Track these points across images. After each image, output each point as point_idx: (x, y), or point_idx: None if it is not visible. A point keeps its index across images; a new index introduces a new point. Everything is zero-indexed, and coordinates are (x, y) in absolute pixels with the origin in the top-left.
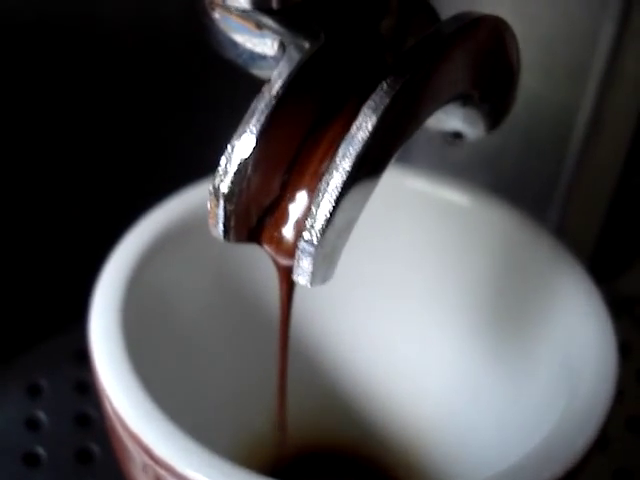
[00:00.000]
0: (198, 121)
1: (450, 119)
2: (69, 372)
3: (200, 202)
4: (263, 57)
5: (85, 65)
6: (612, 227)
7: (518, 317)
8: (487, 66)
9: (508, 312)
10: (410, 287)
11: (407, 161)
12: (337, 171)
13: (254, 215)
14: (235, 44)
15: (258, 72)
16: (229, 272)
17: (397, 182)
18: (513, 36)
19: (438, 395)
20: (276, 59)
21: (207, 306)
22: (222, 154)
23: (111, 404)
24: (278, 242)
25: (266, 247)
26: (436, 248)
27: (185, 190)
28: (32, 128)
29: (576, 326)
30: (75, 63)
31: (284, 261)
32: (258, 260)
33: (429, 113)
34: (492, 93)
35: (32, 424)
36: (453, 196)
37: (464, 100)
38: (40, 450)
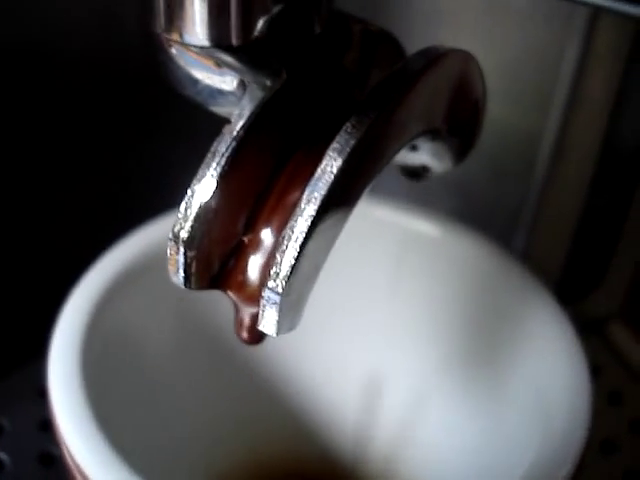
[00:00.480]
0: (157, 152)
1: (416, 154)
2: (31, 409)
3: (160, 239)
4: (223, 93)
5: (42, 95)
6: (579, 249)
7: (488, 349)
8: (455, 101)
9: (478, 344)
10: (379, 318)
11: (373, 188)
12: (301, 217)
13: (216, 261)
14: (194, 81)
15: (217, 109)
16: (191, 309)
17: (364, 212)
18: (480, 69)
19: (409, 430)
20: (236, 95)
21: (170, 344)
22: (182, 199)
23: (71, 455)
24: (242, 288)
25: (229, 293)
26: (405, 279)
27: (144, 226)
28: None
29: (547, 358)
30: (31, 93)
31: (248, 308)
32: (221, 296)
33: (396, 151)
34: (460, 127)
35: None
36: (421, 226)
37: (432, 135)
38: None
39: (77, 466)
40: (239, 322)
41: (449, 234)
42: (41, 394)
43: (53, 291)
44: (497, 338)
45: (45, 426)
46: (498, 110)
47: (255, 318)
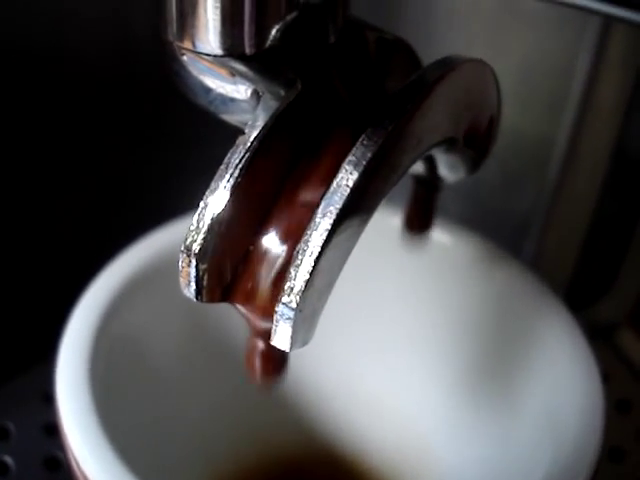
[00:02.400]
0: (166, 159)
1: (431, 164)
2: (37, 414)
3: (168, 245)
4: (236, 101)
5: (51, 101)
6: (588, 255)
7: (498, 357)
8: (470, 112)
9: (488, 351)
10: (388, 326)
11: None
12: (316, 231)
13: (228, 273)
14: (207, 90)
15: (229, 117)
16: (200, 315)
17: (374, 220)
18: (496, 80)
19: (419, 440)
20: (249, 104)
21: (178, 351)
22: (193, 207)
23: (77, 462)
24: (252, 300)
25: (239, 307)
26: (415, 286)
27: (153, 233)
28: None
29: (559, 367)
30: (40, 98)
31: (259, 322)
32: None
33: (411, 163)
34: (475, 138)
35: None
36: (432, 234)
37: (447, 145)
38: None
39: (83, 473)
40: (251, 361)
41: (459, 241)
42: (46, 398)
43: (58, 296)
44: (507, 345)
45: (50, 430)
46: (510, 116)
47: (266, 332)
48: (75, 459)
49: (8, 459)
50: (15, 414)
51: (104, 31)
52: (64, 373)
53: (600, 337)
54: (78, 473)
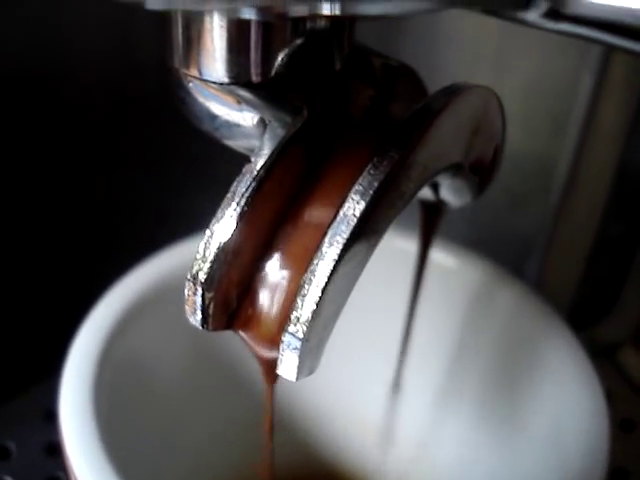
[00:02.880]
0: (170, 180)
1: (436, 190)
2: (38, 433)
3: (172, 268)
4: (242, 128)
5: (55, 120)
6: (591, 275)
7: (503, 377)
8: (476, 138)
9: (492, 371)
10: (394, 346)
11: None
12: (323, 260)
13: (233, 301)
14: (213, 117)
15: (234, 144)
16: (204, 339)
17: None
18: (501, 106)
19: (423, 455)
20: (255, 130)
21: (182, 374)
22: (198, 231)
23: None
24: (256, 328)
25: (243, 334)
26: (419, 310)
27: (157, 254)
28: None
29: (563, 387)
30: (44, 113)
31: (264, 351)
32: None
33: (417, 189)
34: (480, 164)
35: None
36: (435, 255)
37: (452, 171)
38: None
39: None
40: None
41: (463, 263)
42: (47, 417)
43: (60, 315)
44: (512, 366)
45: (51, 450)
46: (513, 137)
47: (271, 362)
48: None
49: (9, 479)
50: (16, 433)
51: (105, 52)
52: (68, 396)
53: (603, 356)
54: None
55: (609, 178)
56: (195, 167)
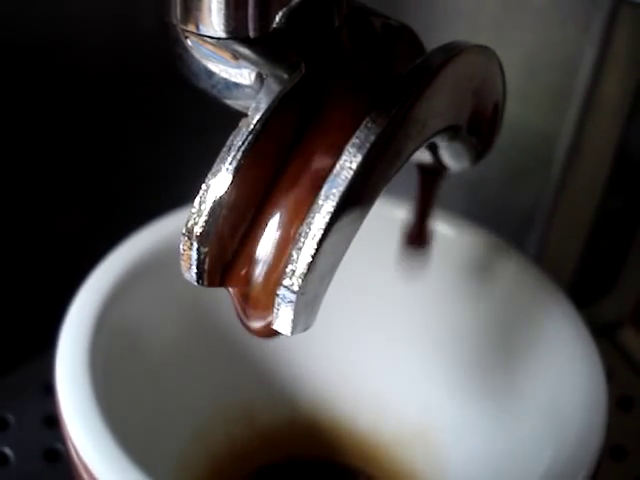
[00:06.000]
0: (169, 149)
1: (435, 152)
2: (36, 405)
3: (167, 235)
4: (239, 86)
5: (55, 92)
6: (592, 252)
7: (502, 351)
8: (475, 98)
9: (492, 345)
10: (389, 319)
11: (388, 189)
12: (319, 213)
13: (229, 256)
14: (210, 74)
15: (232, 102)
16: (200, 306)
17: (375, 211)
18: (500, 66)
19: (422, 433)
20: (253, 88)
21: (178, 341)
22: (195, 194)
23: (77, 452)
24: (247, 284)
25: (232, 290)
26: (418, 280)
27: (153, 223)
28: None
29: (563, 361)
30: (44, 90)
31: (255, 312)
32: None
33: (415, 148)
34: (479, 126)
35: None
36: (434, 226)
37: (451, 133)
38: None
39: (83, 463)
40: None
41: (463, 234)
42: (46, 390)
43: (57, 287)
44: (511, 340)
45: (50, 422)
46: (514, 110)
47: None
48: (75, 448)
49: (7, 451)
50: (14, 406)
51: (106, 22)
52: (64, 363)
53: (603, 335)
54: (77, 462)
55: (610, 152)
56: (194, 137)
